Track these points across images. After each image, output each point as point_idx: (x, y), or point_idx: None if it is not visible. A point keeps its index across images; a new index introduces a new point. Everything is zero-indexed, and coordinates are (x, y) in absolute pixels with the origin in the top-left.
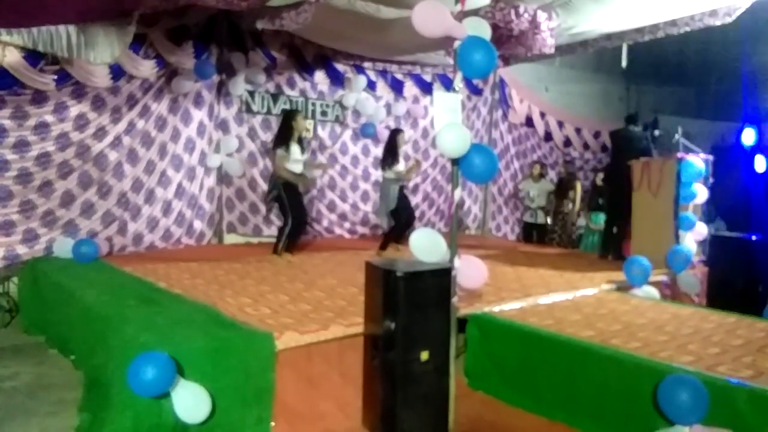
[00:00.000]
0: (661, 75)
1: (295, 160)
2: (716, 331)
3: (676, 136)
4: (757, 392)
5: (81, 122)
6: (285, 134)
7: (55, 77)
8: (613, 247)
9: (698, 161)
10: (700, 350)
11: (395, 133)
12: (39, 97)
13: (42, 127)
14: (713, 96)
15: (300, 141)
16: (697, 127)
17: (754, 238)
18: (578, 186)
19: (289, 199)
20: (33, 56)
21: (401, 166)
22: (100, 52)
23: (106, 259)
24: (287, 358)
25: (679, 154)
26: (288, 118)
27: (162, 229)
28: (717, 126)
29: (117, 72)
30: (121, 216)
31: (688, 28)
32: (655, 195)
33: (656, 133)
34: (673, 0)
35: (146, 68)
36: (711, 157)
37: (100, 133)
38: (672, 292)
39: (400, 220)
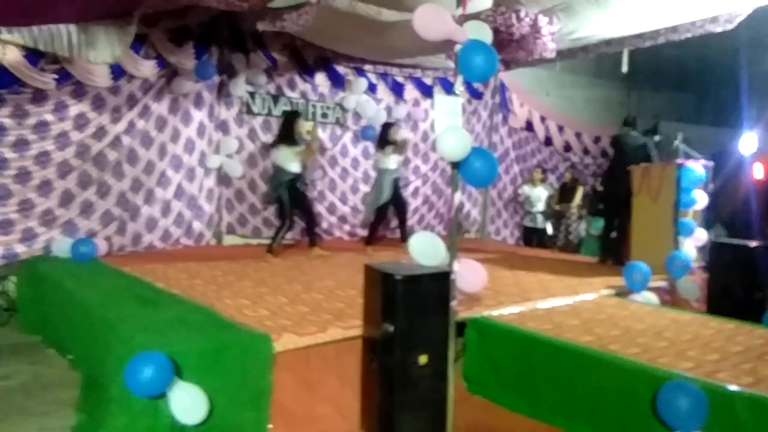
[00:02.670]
0: (662, 81)
1: (290, 159)
2: (715, 337)
3: (676, 142)
4: (756, 399)
5: (81, 122)
6: (286, 134)
7: (56, 76)
8: (612, 253)
9: (698, 167)
10: (699, 356)
11: (386, 127)
12: (39, 96)
13: (42, 126)
14: (713, 102)
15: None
16: (697, 133)
17: (753, 244)
18: (580, 190)
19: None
20: (33, 55)
21: (389, 152)
22: (101, 51)
23: (104, 259)
24: (285, 360)
25: (679, 160)
26: (288, 118)
27: (161, 229)
28: (717, 132)
29: (117, 72)
30: (120, 216)
31: (689, 34)
32: (655, 200)
33: (656, 138)
34: (674, 6)
35: (147, 68)
36: (711, 163)
37: (100, 132)
38: (671, 298)
39: (400, 214)
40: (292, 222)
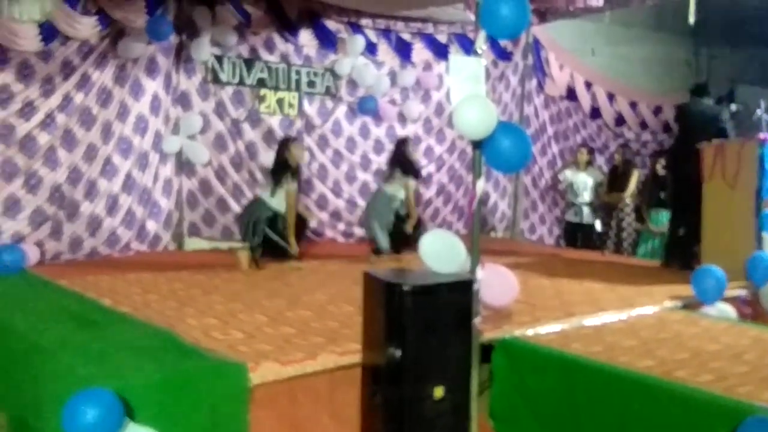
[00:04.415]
0: (740, 35)
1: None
2: None
3: (759, 112)
4: None
5: (3, 96)
6: (283, 168)
7: None
8: (678, 254)
9: None
10: None
11: (404, 143)
12: None
13: None
14: None
15: (296, 171)
16: None
17: None
18: (635, 175)
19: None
20: None
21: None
22: (27, 6)
23: (35, 270)
24: (265, 395)
25: (762, 135)
26: (281, 148)
27: (106, 231)
28: None
29: (49, 32)
30: (54, 215)
31: None
32: (732, 187)
33: (733, 108)
34: None
35: (86, 27)
36: None
37: (28, 109)
38: (753, 311)
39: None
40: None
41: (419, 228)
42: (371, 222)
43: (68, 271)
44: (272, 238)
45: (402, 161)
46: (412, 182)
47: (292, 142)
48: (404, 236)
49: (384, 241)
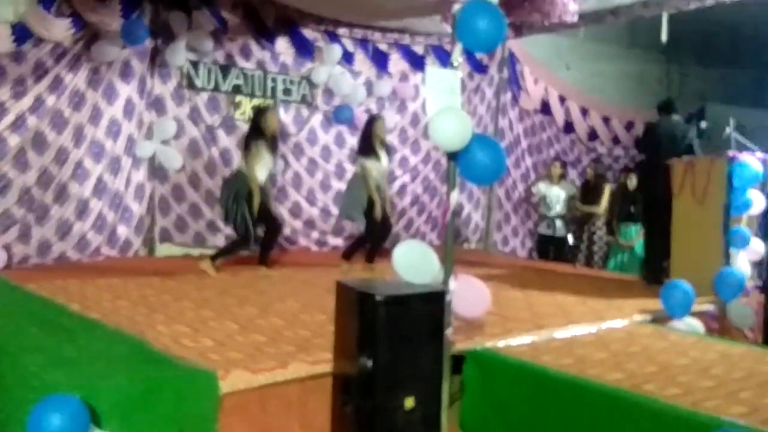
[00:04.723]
0: (710, 53)
1: (264, 164)
2: None
3: (728, 130)
4: None
5: None
6: (255, 134)
7: None
8: (650, 269)
9: (755, 162)
10: (754, 399)
11: (371, 121)
12: None
13: None
14: None
15: (272, 141)
16: (754, 119)
17: None
18: (607, 190)
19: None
20: None
21: (380, 161)
22: (0, 8)
23: (2, 274)
24: (235, 403)
25: (731, 153)
26: (256, 116)
27: (76, 235)
28: None
29: (21, 34)
30: (23, 218)
31: None
32: (701, 203)
33: (703, 125)
34: None
35: (59, 29)
36: None
37: None
38: (720, 326)
39: (374, 231)
40: (254, 240)
41: (383, 237)
42: (346, 200)
43: (36, 275)
44: (247, 219)
45: (363, 139)
46: (367, 162)
47: (267, 110)
48: (373, 223)
49: (361, 219)
